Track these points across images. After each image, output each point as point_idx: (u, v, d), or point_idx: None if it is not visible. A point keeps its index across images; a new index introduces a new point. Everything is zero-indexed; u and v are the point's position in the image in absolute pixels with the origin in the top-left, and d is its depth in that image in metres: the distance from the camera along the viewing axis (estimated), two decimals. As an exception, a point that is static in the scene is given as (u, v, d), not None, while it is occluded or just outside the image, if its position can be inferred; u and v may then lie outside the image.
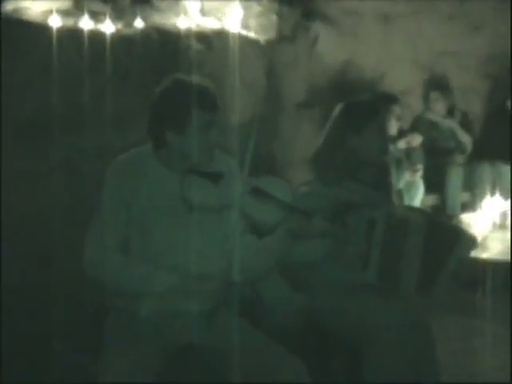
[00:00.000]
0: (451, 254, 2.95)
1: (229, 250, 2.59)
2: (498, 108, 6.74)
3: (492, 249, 4.95)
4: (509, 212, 5.23)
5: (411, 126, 6.55)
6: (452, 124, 6.53)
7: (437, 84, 6.71)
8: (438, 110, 6.55)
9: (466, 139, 6.51)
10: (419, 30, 6.85)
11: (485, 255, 4.85)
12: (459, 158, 6.51)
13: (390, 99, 5.82)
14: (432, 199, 6.27)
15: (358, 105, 3.28)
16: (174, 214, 2.53)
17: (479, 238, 4.94)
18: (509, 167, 6.22)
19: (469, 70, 7.06)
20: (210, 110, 2.51)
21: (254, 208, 2.48)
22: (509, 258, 4.80)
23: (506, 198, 5.43)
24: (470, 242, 3.07)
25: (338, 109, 3.23)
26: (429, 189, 6.15)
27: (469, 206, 6.09)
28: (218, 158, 2.62)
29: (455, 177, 6.27)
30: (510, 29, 6.73)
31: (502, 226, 5.26)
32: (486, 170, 6.27)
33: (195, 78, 2.56)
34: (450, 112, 6.61)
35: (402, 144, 6.01)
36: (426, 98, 6.70)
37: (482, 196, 5.68)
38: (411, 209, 4.08)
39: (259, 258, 2.61)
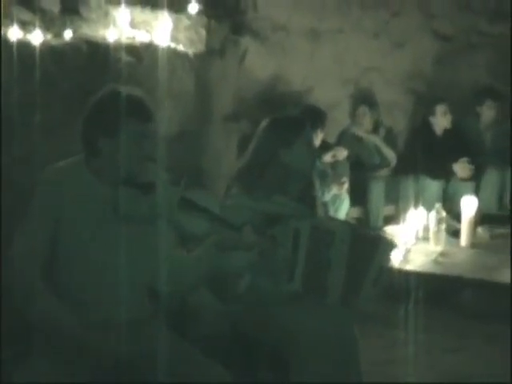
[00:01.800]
0: (372, 261, 2.99)
1: (158, 261, 2.60)
2: (420, 123, 6.93)
3: (415, 261, 5.09)
4: (431, 225, 5.38)
5: (337, 139, 6.66)
6: (376, 139, 6.69)
7: (364, 99, 6.84)
8: (365, 124, 6.68)
9: (389, 154, 6.69)
10: (346, 46, 6.99)
11: (408, 267, 4.97)
12: (383, 172, 6.64)
13: (316, 113, 5.89)
14: (357, 212, 6.37)
15: (287, 119, 3.34)
16: (105, 225, 2.52)
17: (403, 251, 5.12)
18: (431, 181, 6.41)
19: (393, 86, 7.24)
20: (143, 121, 2.52)
21: (183, 219, 2.52)
22: (431, 269, 4.95)
23: (428, 211, 5.57)
24: (389, 246, 3.15)
25: (265, 123, 3.26)
26: (354, 202, 6.22)
27: (393, 219, 6.21)
28: (149, 169, 2.63)
29: (379, 190, 6.39)
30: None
31: (424, 239, 5.43)
32: (409, 184, 6.40)
33: (131, 89, 2.58)
34: (376, 127, 6.76)
35: (327, 157, 6.06)
36: (352, 113, 6.83)
37: (405, 209, 5.79)
38: (336, 220, 4.17)
39: (187, 270, 2.63)
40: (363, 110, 6.68)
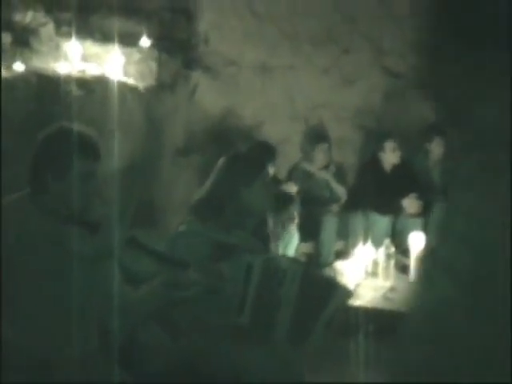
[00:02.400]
0: (326, 306, 2.99)
1: (107, 298, 2.60)
2: (370, 159, 7.02)
3: (364, 296, 5.14)
4: (380, 260, 5.44)
5: (288, 174, 6.73)
6: (327, 175, 6.76)
7: (322, 136, 6.85)
8: (320, 160, 6.71)
9: (339, 190, 6.74)
10: (296, 81, 7.09)
11: (358, 302, 4.99)
12: (334, 208, 6.70)
13: (267, 149, 5.94)
14: (307, 247, 6.34)
15: (248, 158, 3.39)
16: (52, 262, 2.52)
17: (352, 286, 5.16)
18: (380, 217, 6.49)
19: (343, 122, 7.32)
20: (91, 159, 2.55)
21: (130, 259, 2.53)
22: (380, 305, 5.01)
23: (377, 247, 5.64)
24: (345, 294, 3.17)
25: (226, 160, 3.30)
26: (304, 237, 6.22)
27: (343, 254, 6.23)
28: (96, 206, 2.64)
29: (330, 226, 6.40)
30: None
31: (373, 274, 5.48)
32: (358, 220, 6.45)
33: (79, 126, 2.59)
34: (327, 163, 6.81)
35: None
36: (305, 148, 6.82)
37: (354, 244, 5.84)
38: (289, 258, 4.20)
39: (135, 308, 2.65)
40: (323, 146, 6.73)
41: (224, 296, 2.86)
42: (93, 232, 2.58)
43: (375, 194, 6.60)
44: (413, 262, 5.51)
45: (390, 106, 7.59)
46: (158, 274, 2.58)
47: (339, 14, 7.29)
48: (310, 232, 6.35)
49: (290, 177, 6.66)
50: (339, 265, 5.73)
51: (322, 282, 3.16)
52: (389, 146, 6.78)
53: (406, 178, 6.82)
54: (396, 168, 6.85)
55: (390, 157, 6.79)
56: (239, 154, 3.42)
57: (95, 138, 2.58)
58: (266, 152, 5.82)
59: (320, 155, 6.68)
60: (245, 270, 2.92)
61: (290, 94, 7.08)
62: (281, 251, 5.69)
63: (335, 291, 3.08)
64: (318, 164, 6.72)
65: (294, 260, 4.23)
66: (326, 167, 6.77)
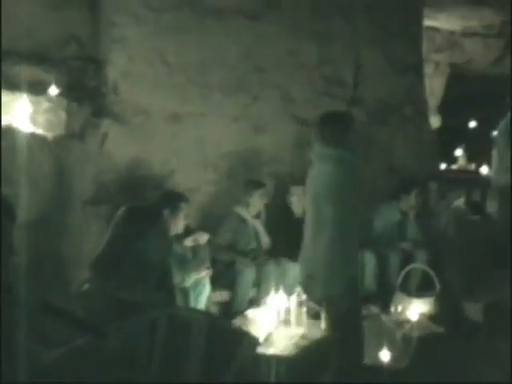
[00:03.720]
0: (234, 357, 3.06)
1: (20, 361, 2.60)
2: (281, 206, 7.16)
3: (277, 344, 5.15)
4: (292, 308, 5.52)
5: (221, 220, 6.81)
6: (256, 223, 6.90)
7: (256, 181, 6.99)
8: (254, 206, 6.85)
9: (264, 239, 6.91)
10: (207, 129, 7.21)
11: (270, 351, 5.02)
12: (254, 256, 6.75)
13: (177, 198, 6.00)
14: (221, 296, 6.44)
15: (143, 209, 3.38)
16: None
17: (265, 334, 5.24)
18: (292, 264, 6.59)
19: (253, 169, 7.44)
20: (12, 222, 2.58)
21: (44, 322, 2.53)
22: (292, 352, 5.08)
23: (290, 294, 5.71)
24: (253, 344, 3.24)
25: (121, 212, 3.31)
26: (219, 285, 6.34)
27: (255, 302, 6.27)
28: (9, 267, 2.67)
29: (248, 274, 6.44)
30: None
31: (286, 322, 5.53)
32: (270, 267, 6.56)
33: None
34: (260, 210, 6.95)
35: (189, 242, 6.11)
36: (245, 193, 6.87)
37: (267, 292, 5.90)
38: (194, 310, 4.23)
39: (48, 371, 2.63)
40: (260, 192, 6.84)
41: (128, 354, 2.87)
42: (7, 293, 2.58)
43: (286, 241, 6.70)
44: None
45: (300, 152, 7.76)
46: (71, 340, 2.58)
47: (249, 63, 7.50)
48: (224, 280, 6.44)
49: (224, 222, 6.76)
50: (252, 313, 5.75)
51: (229, 333, 3.20)
52: (298, 191, 6.95)
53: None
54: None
55: (299, 203, 6.94)
56: (135, 205, 3.41)
57: (10, 200, 2.60)
58: (175, 201, 5.90)
59: (257, 202, 6.82)
60: (150, 326, 2.90)
61: (201, 142, 7.17)
62: (192, 302, 5.75)
63: (242, 341, 3.12)
64: (252, 211, 6.84)
65: (200, 312, 4.26)
66: (258, 215, 6.88)
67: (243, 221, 6.83)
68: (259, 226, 6.91)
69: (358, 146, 5.01)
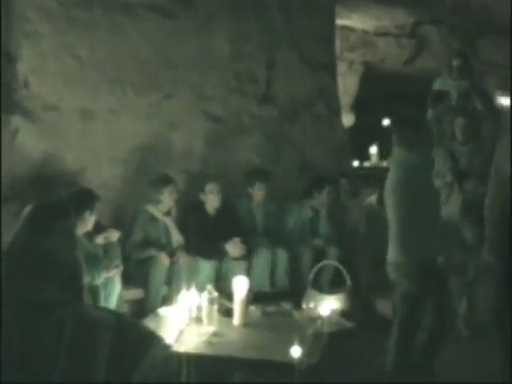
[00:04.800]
0: (143, 357, 3.10)
1: None
2: (193, 203, 7.17)
3: (188, 342, 5.14)
4: (203, 306, 5.58)
5: (133, 218, 6.80)
6: (168, 221, 6.90)
7: (166, 178, 6.91)
8: (165, 203, 6.84)
9: (175, 237, 6.91)
10: (118, 126, 7.23)
11: (181, 349, 4.98)
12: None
13: (86, 196, 5.95)
14: (133, 294, 6.43)
15: (49, 207, 3.41)
16: None
17: (176, 332, 5.26)
18: (204, 261, 6.65)
19: (166, 166, 7.46)
20: None
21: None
22: (204, 350, 5.09)
23: (202, 292, 5.70)
24: (161, 344, 3.26)
25: (27, 210, 3.31)
26: (132, 283, 6.36)
27: (168, 300, 6.28)
28: None
29: (160, 272, 6.47)
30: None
31: (197, 319, 5.53)
32: (183, 265, 6.60)
33: None
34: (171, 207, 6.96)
35: (99, 239, 6.08)
36: (155, 191, 6.84)
37: (178, 290, 5.88)
38: (101, 309, 4.21)
39: None
40: (170, 189, 6.83)
41: (36, 355, 2.86)
42: None
43: (199, 239, 6.84)
44: (236, 306, 5.62)
45: (212, 149, 7.86)
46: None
47: (161, 60, 7.54)
48: (136, 278, 6.46)
49: (135, 221, 6.76)
50: (164, 311, 5.77)
51: (138, 332, 3.22)
52: (210, 189, 7.04)
53: (230, 222, 7.09)
54: (219, 211, 7.11)
55: (211, 200, 7.06)
56: (42, 203, 3.39)
57: None
58: (84, 199, 5.87)
59: (167, 199, 6.83)
60: (57, 325, 2.96)
61: (112, 139, 7.18)
62: (102, 300, 5.73)
63: (151, 341, 3.16)
64: (162, 208, 6.86)
65: (107, 311, 4.26)
66: (169, 213, 6.90)
67: (154, 219, 6.84)
68: (170, 223, 6.94)
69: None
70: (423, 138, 4.71)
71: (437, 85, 8.67)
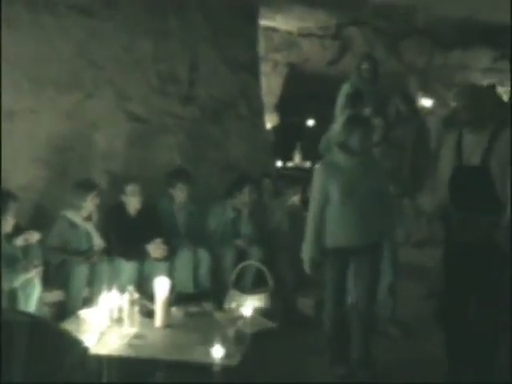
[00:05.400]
0: (62, 360, 3.07)
1: None
2: (115, 204, 7.15)
3: (109, 344, 5.14)
4: (124, 307, 5.56)
5: (54, 224, 6.71)
6: (88, 226, 6.85)
7: (88, 184, 6.86)
8: (86, 208, 6.79)
9: (97, 241, 6.85)
10: (39, 126, 7.17)
11: (102, 351, 5.00)
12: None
13: (4, 196, 5.93)
14: (53, 296, 6.37)
15: None
16: None
17: (97, 334, 5.23)
18: (126, 262, 6.63)
19: (88, 166, 7.47)
20: None
21: None
22: (125, 352, 5.07)
23: (123, 293, 5.69)
24: (80, 348, 3.25)
25: None
26: (51, 285, 6.30)
27: (89, 302, 6.21)
28: None
29: (81, 274, 6.43)
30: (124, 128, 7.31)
31: (119, 321, 5.50)
32: (104, 266, 6.59)
33: None
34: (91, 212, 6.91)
35: (19, 241, 6.03)
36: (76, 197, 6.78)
37: (99, 292, 5.84)
38: (16, 312, 4.15)
39: None
40: (94, 194, 6.79)
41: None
42: None
43: (120, 240, 6.83)
44: (158, 307, 5.61)
45: (134, 150, 7.85)
46: None
47: (83, 59, 7.51)
48: (57, 280, 6.42)
49: (55, 226, 6.69)
50: (85, 313, 5.73)
51: (55, 335, 3.19)
52: (131, 189, 7.04)
53: (151, 223, 7.08)
54: (141, 212, 7.10)
55: (132, 201, 7.06)
56: None
57: None
58: (2, 199, 5.80)
59: (89, 205, 6.79)
60: None
61: (33, 139, 7.11)
62: (21, 303, 5.67)
63: (70, 344, 3.15)
64: (83, 213, 6.81)
65: (22, 314, 4.18)
66: (89, 217, 6.86)
67: (74, 225, 6.77)
68: (91, 227, 6.87)
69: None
70: None
71: (346, 88, 8.89)
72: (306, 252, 5.52)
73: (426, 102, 12.43)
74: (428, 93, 13.03)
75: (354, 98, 8.12)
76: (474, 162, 5.04)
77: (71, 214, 6.77)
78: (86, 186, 6.82)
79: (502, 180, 4.94)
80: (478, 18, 12.20)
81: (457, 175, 5.15)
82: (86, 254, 6.72)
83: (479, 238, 5.06)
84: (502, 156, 4.93)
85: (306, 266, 5.53)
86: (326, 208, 5.45)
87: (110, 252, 6.79)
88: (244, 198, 7.52)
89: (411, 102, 9.74)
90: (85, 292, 6.49)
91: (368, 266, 5.57)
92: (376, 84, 8.80)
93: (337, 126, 6.87)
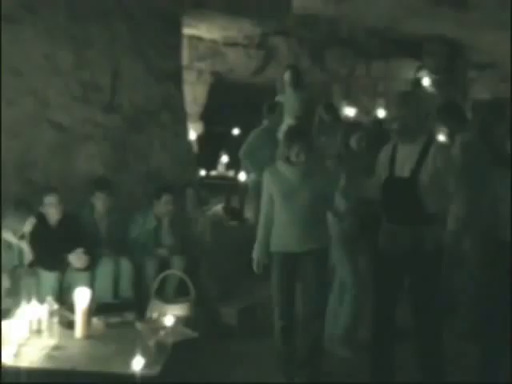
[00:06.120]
0: None
1: None
2: (36, 214, 7.08)
3: (28, 356, 5.08)
4: (44, 318, 5.51)
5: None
6: (23, 245, 6.81)
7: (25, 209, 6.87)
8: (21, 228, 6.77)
9: (29, 257, 6.82)
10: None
11: (21, 363, 4.95)
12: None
13: None
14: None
15: None
16: None
17: (16, 346, 5.17)
18: (47, 273, 6.58)
19: (7, 176, 7.35)
20: None
21: None
22: (44, 364, 5.00)
23: (43, 304, 5.66)
24: None
25: None
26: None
27: (7, 314, 5.96)
28: None
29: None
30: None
31: (38, 332, 5.46)
32: (25, 278, 6.55)
33: None
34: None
35: None
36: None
37: (18, 303, 5.75)
38: None
39: None
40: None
41: None
42: None
43: (41, 250, 6.77)
44: (78, 317, 5.56)
45: (55, 159, 7.78)
46: None
47: (4, 66, 7.43)
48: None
49: None
50: (3, 324, 5.63)
51: None
52: (49, 200, 6.96)
53: (72, 232, 7.01)
54: (61, 223, 7.03)
55: (52, 213, 6.99)
56: None
57: None
58: None
59: (27, 226, 6.81)
60: None
61: None
62: None
63: None
64: (19, 233, 6.80)
65: None
66: (23, 236, 6.79)
67: (9, 246, 6.76)
68: (24, 245, 6.84)
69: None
70: None
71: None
72: (255, 252, 5.75)
73: (350, 111, 12.62)
74: (352, 102, 13.24)
75: (270, 108, 8.34)
76: (404, 174, 5.19)
77: (7, 235, 6.75)
78: (24, 210, 6.84)
79: (431, 193, 5.10)
80: (401, 29, 12.53)
81: (387, 186, 5.30)
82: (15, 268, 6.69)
83: (406, 249, 5.20)
84: (431, 169, 5.09)
85: (254, 266, 5.72)
86: (272, 211, 5.66)
87: (32, 263, 6.73)
88: (161, 207, 7.52)
89: (334, 110, 9.96)
90: (4, 303, 6.36)
91: (312, 273, 5.63)
92: (301, 92, 8.99)
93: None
